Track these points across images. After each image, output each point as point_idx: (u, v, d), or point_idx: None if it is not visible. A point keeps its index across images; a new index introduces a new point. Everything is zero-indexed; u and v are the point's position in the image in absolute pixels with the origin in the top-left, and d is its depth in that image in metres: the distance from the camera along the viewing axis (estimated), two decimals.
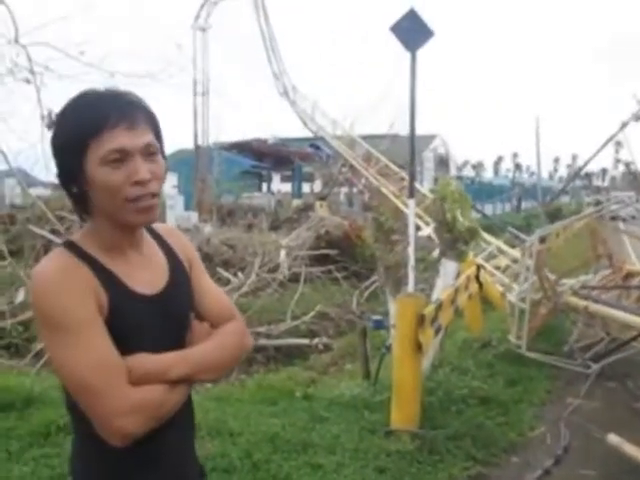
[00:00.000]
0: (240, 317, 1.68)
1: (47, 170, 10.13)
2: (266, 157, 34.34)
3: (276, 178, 39.20)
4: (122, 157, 1.38)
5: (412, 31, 6.45)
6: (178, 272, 1.58)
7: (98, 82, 1.71)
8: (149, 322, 1.46)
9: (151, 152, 1.43)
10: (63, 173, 1.44)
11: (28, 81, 8.33)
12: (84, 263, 1.42)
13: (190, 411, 1.62)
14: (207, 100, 25.41)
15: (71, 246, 1.45)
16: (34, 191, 13.87)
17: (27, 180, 13.48)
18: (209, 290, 1.66)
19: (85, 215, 1.48)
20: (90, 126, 1.37)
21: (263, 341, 8.42)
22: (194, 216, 18.16)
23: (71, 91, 1.48)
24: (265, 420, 4.63)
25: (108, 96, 1.44)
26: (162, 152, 1.49)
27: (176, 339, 1.52)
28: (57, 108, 1.48)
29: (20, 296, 8.81)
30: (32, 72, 8.34)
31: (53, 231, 10.10)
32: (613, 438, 4.19)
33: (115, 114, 1.38)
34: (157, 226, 1.63)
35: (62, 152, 1.43)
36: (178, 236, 1.68)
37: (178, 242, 1.65)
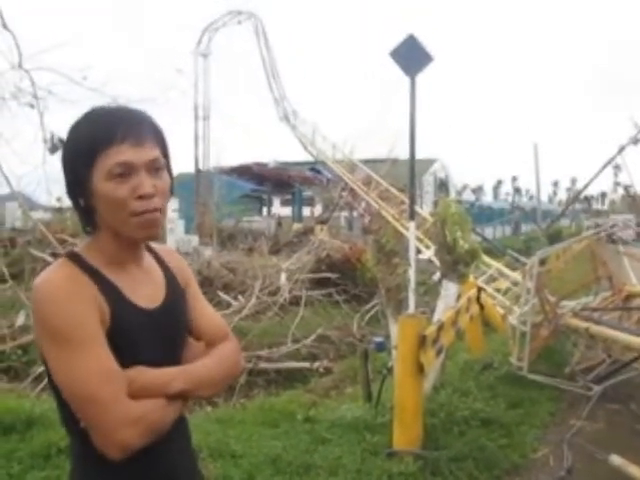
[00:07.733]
0: (234, 338, 1.70)
1: (48, 194, 10.21)
2: (266, 181, 34.46)
3: (276, 202, 39.31)
4: (127, 171, 1.41)
5: (411, 56, 6.54)
6: (174, 289, 1.61)
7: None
8: (147, 336, 1.49)
9: (156, 167, 1.47)
10: (71, 185, 1.48)
11: (32, 106, 8.42)
12: (87, 275, 1.44)
13: (184, 425, 1.63)
14: (208, 125, 25.64)
15: (74, 257, 1.48)
16: (35, 215, 13.91)
17: (28, 203, 13.54)
18: (205, 311, 1.69)
19: (90, 228, 1.51)
20: (99, 140, 1.42)
21: (264, 364, 8.39)
22: (194, 239, 18.16)
23: (73, 115, 1.52)
24: (267, 442, 4.61)
25: (118, 112, 1.49)
26: (169, 169, 1.52)
27: (171, 355, 1.54)
28: (60, 132, 1.54)
29: (21, 319, 8.79)
30: (35, 97, 8.44)
31: (54, 254, 10.11)
32: (616, 459, 4.18)
33: (123, 130, 1.43)
34: (157, 247, 1.67)
35: (71, 164, 1.47)
36: (177, 258, 1.72)
37: (176, 263, 1.68)
